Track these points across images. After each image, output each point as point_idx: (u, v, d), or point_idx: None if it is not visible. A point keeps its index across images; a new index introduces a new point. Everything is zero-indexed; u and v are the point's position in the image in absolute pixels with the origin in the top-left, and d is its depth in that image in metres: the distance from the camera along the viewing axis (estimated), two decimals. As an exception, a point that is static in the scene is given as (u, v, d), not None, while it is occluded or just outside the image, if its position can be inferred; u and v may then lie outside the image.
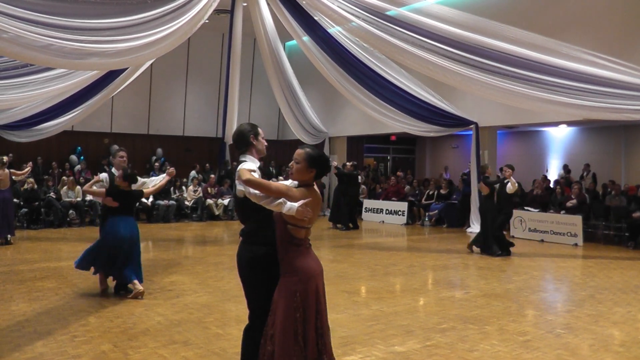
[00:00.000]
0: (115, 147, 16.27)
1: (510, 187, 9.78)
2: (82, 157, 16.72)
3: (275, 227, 3.26)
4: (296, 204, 3.06)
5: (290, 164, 3.36)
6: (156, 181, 7.06)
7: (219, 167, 17.40)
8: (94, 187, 6.61)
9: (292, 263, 3.18)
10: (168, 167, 7.49)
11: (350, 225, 13.86)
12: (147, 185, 6.98)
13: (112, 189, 6.51)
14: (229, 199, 15.70)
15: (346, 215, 13.81)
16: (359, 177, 15.26)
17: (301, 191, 3.18)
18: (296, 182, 3.54)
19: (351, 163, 14.62)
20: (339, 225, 13.91)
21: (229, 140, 16.93)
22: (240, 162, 3.43)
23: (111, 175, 6.75)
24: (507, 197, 10.02)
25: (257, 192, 3.15)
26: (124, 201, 6.43)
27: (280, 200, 3.09)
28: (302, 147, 3.35)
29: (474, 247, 10.27)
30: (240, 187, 3.29)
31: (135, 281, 6.34)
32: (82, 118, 14.02)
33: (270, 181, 3.31)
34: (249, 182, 3.14)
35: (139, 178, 6.76)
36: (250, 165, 3.33)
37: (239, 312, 5.84)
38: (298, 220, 3.12)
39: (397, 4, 9.69)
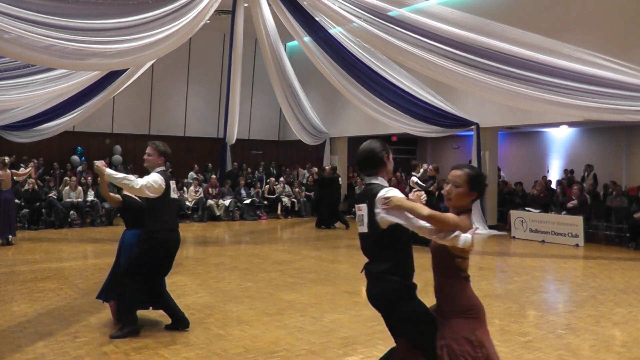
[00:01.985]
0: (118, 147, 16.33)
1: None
2: (83, 158, 16.73)
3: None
4: (469, 235, 2.70)
5: (447, 188, 2.88)
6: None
7: (220, 168, 17.40)
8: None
9: (464, 299, 2.83)
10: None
11: (336, 225, 13.86)
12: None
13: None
14: (229, 200, 15.69)
15: (328, 216, 13.86)
16: (339, 179, 15.02)
17: (463, 219, 2.77)
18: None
19: (330, 166, 14.68)
20: (323, 227, 13.93)
21: (230, 140, 16.97)
22: (372, 186, 2.96)
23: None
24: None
25: (429, 225, 2.72)
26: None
27: (456, 233, 2.69)
28: (459, 167, 2.86)
29: None
30: (388, 217, 2.83)
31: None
32: (83, 118, 14.04)
33: (445, 213, 2.81)
34: (432, 219, 2.69)
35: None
36: (399, 193, 2.86)
37: (240, 312, 5.84)
38: (465, 252, 2.76)
39: (398, 4, 9.68)
